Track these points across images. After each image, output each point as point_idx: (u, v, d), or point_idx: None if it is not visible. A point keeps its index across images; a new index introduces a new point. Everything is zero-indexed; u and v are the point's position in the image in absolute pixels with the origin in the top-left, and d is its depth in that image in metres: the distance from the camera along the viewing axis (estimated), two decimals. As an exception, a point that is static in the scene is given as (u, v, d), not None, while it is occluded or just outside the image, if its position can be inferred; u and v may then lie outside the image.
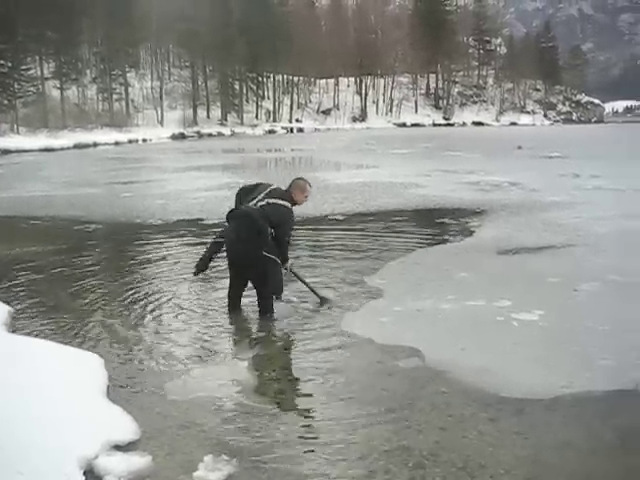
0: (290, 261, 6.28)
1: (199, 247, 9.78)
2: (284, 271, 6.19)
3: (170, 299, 6.77)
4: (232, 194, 6.74)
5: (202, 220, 12.03)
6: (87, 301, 6.77)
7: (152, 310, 6.40)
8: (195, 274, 6.26)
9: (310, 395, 4.55)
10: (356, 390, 4.55)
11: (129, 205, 14.24)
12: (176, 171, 23.27)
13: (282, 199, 5.90)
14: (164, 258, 8.92)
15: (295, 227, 6.30)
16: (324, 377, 4.81)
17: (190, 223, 11.88)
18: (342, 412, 4.22)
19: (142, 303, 6.65)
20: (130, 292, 7.07)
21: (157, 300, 6.75)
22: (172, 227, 11.48)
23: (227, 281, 6.43)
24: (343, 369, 4.92)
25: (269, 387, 4.71)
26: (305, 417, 4.20)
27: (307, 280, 6.65)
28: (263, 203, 5.78)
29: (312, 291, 6.55)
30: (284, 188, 6.14)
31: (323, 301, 6.50)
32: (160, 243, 10.04)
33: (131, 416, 4.00)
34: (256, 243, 5.69)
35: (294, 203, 6.02)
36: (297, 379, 4.86)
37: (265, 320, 6.09)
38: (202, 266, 6.21)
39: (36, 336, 5.55)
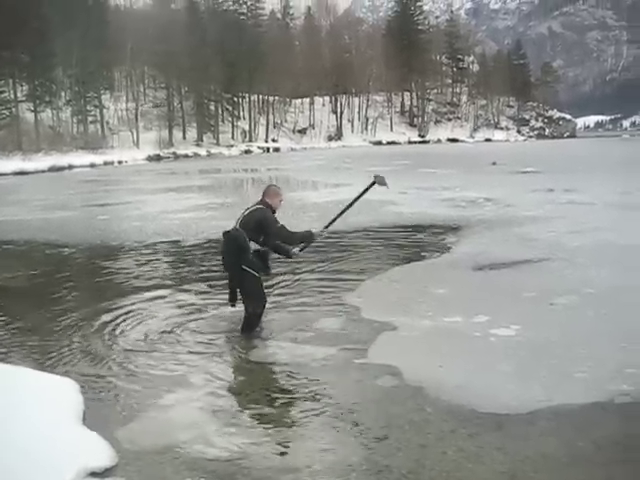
0: (317, 232, 6.45)
1: (176, 269, 9.77)
2: (317, 238, 6.46)
3: (146, 322, 6.71)
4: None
5: (179, 241, 11.99)
6: (61, 325, 6.70)
7: (128, 334, 6.35)
8: (232, 305, 6.43)
9: (289, 416, 4.53)
10: (335, 408, 4.54)
11: (105, 228, 14.15)
12: (152, 193, 23.17)
13: (257, 205, 6.30)
14: (140, 280, 8.85)
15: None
16: (303, 397, 4.80)
17: (167, 245, 11.82)
18: (321, 431, 4.21)
19: (117, 327, 6.59)
20: (105, 316, 6.99)
21: (133, 323, 6.69)
22: (148, 249, 11.41)
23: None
24: (321, 387, 4.91)
25: (247, 409, 4.68)
26: (283, 437, 4.17)
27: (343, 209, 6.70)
28: (240, 219, 6.22)
29: (362, 194, 6.71)
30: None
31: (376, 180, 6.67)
32: (136, 265, 9.97)
33: (108, 442, 3.96)
34: (236, 257, 6.08)
35: (270, 208, 6.28)
36: (275, 399, 4.83)
37: (245, 338, 6.12)
38: (232, 297, 6.37)
39: (10, 362, 5.47)
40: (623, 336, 5.78)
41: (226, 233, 6.22)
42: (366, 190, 6.68)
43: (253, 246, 6.09)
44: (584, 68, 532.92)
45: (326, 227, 6.62)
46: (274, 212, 6.28)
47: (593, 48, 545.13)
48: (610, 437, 4.08)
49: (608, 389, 4.67)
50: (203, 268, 9.54)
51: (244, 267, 6.10)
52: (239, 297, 6.30)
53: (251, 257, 6.10)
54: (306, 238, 6.37)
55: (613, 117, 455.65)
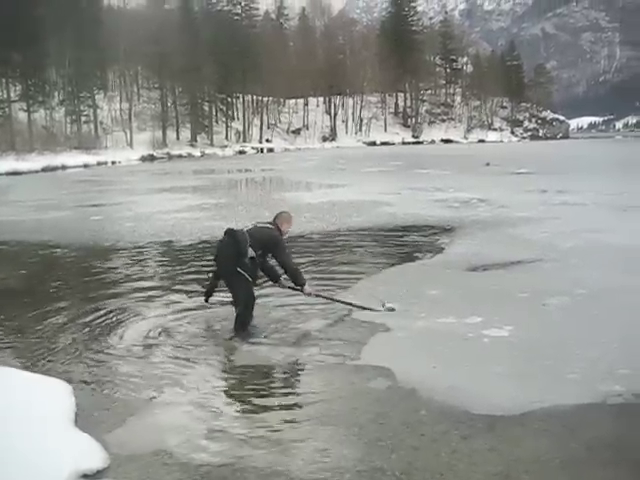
0: (311, 288, 6.67)
1: (169, 270, 9.75)
2: (306, 296, 6.72)
3: (138, 324, 6.69)
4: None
5: (172, 242, 11.97)
6: (54, 326, 6.67)
7: (120, 335, 6.33)
8: (206, 301, 6.67)
9: (281, 416, 4.52)
10: (329, 410, 4.53)
11: (98, 228, 14.10)
12: (146, 193, 23.12)
13: (269, 224, 6.54)
14: (133, 281, 8.83)
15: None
16: (296, 398, 4.80)
17: (160, 245, 11.80)
18: (314, 433, 4.20)
19: (110, 328, 6.57)
20: (97, 317, 6.97)
21: (125, 325, 6.67)
22: (141, 250, 11.38)
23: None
24: (315, 389, 4.90)
25: (239, 410, 4.67)
26: (276, 439, 4.16)
27: (331, 295, 7.06)
28: (250, 227, 6.44)
29: (344, 303, 6.89)
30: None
31: (356, 307, 6.82)
32: (129, 266, 9.95)
33: (100, 444, 3.94)
34: (232, 259, 6.17)
35: (280, 232, 6.51)
36: (268, 401, 4.82)
37: (236, 339, 6.11)
38: (209, 293, 6.57)
39: (1, 363, 5.44)
40: (615, 337, 5.80)
41: (230, 231, 6.32)
42: (371, 309, 6.83)
43: (251, 253, 6.17)
44: (577, 69, 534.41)
45: (317, 295, 6.80)
46: (282, 236, 6.51)
47: (586, 49, 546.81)
48: (602, 438, 4.09)
49: (600, 390, 4.68)
50: (196, 269, 9.52)
51: (239, 269, 6.15)
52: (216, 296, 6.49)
53: (247, 261, 6.18)
54: (300, 281, 6.54)
55: (606, 118, 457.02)
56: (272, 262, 6.61)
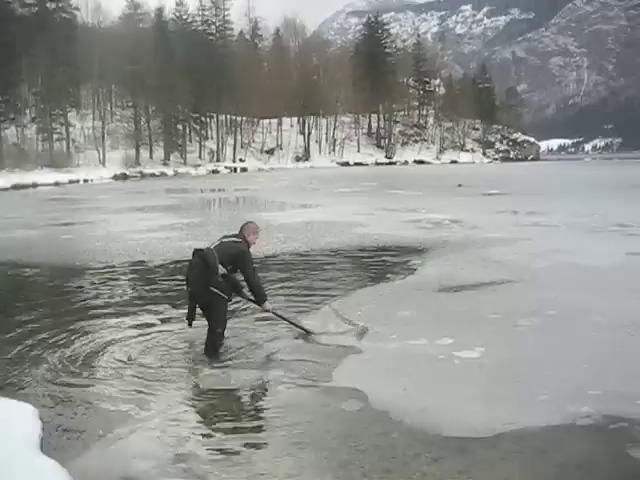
0: (271, 305, 6.71)
1: (139, 290, 9.65)
2: (266, 313, 6.81)
3: (107, 346, 6.59)
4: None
5: (143, 262, 11.86)
6: (21, 349, 6.54)
7: (88, 357, 6.23)
8: (189, 325, 6.41)
9: (251, 441, 4.47)
10: (299, 433, 4.49)
11: (69, 247, 13.94)
12: (118, 212, 22.94)
13: (235, 237, 6.44)
14: (103, 302, 8.72)
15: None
16: (267, 421, 4.76)
17: (131, 265, 11.69)
18: (284, 457, 4.16)
19: (78, 350, 6.47)
20: (66, 339, 6.85)
21: (93, 347, 6.56)
22: (112, 270, 11.26)
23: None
24: (285, 412, 4.86)
25: (207, 435, 4.60)
26: (246, 464, 4.11)
27: (288, 316, 7.04)
28: (217, 243, 6.34)
29: (297, 326, 6.90)
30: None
31: (308, 332, 6.80)
32: (99, 286, 9.83)
33: (65, 470, 3.86)
34: (205, 278, 6.10)
35: (247, 244, 6.41)
36: (237, 425, 4.76)
37: (206, 362, 6.04)
38: (191, 316, 6.34)
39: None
40: (584, 357, 5.86)
41: (198, 251, 6.26)
42: (297, 325, 6.95)
43: (221, 270, 6.11)
44: (547, 93, 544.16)
45: (274, 313, 6.83)
46: (249, 247, 6.43)
47: (556, 73, 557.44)
48: (573, 460, 4.11)
49: (570, 411, 4.70)
50: (167, 289, 9.44)
51: (212, 288, 6.08)
52: (198, 316, 6.32)
53: (219, 279, 6.11)
54: (261, 297, 6.52)
55: (575, 140, 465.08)
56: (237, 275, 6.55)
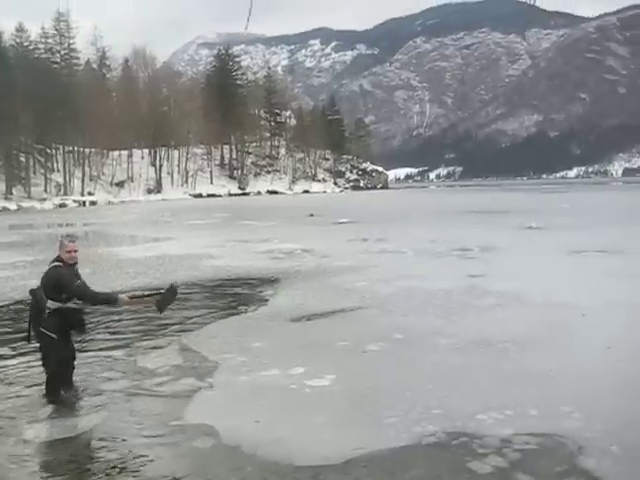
0: (123, 295, 6.29)
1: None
2: (122, 306, 6.49)
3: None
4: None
5: (-20, 304, 11.08)
6: None
7: None
8: (28, 342, 6.26)
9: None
10: (151, 474, 4.36)
11: None
12: (-49, 251, 21.32)
13: (55, 260, 6.03)
14: None
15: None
16: (115, 467, 4.56)
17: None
18: (133, 502, 4.01)
19: None
20: None
21: None
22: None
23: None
24: (135, 454, 4.69)
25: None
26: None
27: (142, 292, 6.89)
28: (43, 275, 6.03)
29: (156, 294, 6.40)
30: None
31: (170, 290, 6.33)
32: None
33: None
34: (36, 319, 5.93)
35: (64, 263, 5.97)
36: (84, 475, 4.54)
37: (45, 405, 5.76)
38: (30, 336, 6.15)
39: None
40: (429, 378, 6.14)
41: (31, 291, 6.07)
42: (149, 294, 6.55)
43: (52, 305, 5.83)
44: (393, 124, 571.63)
45: (135, 298, 6.33)
46: (71, 265, 5.98)
47: (400, 106, 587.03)
48: (419, 478, 4.28)
49: (417, 431, 4.89)
50: (7, 331, 8.88)
51: (41, 329, 5.88)
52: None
53: (47, 317, 5.84)
54: (111, 301, 6.16)
55: (421, 169, 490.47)
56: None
